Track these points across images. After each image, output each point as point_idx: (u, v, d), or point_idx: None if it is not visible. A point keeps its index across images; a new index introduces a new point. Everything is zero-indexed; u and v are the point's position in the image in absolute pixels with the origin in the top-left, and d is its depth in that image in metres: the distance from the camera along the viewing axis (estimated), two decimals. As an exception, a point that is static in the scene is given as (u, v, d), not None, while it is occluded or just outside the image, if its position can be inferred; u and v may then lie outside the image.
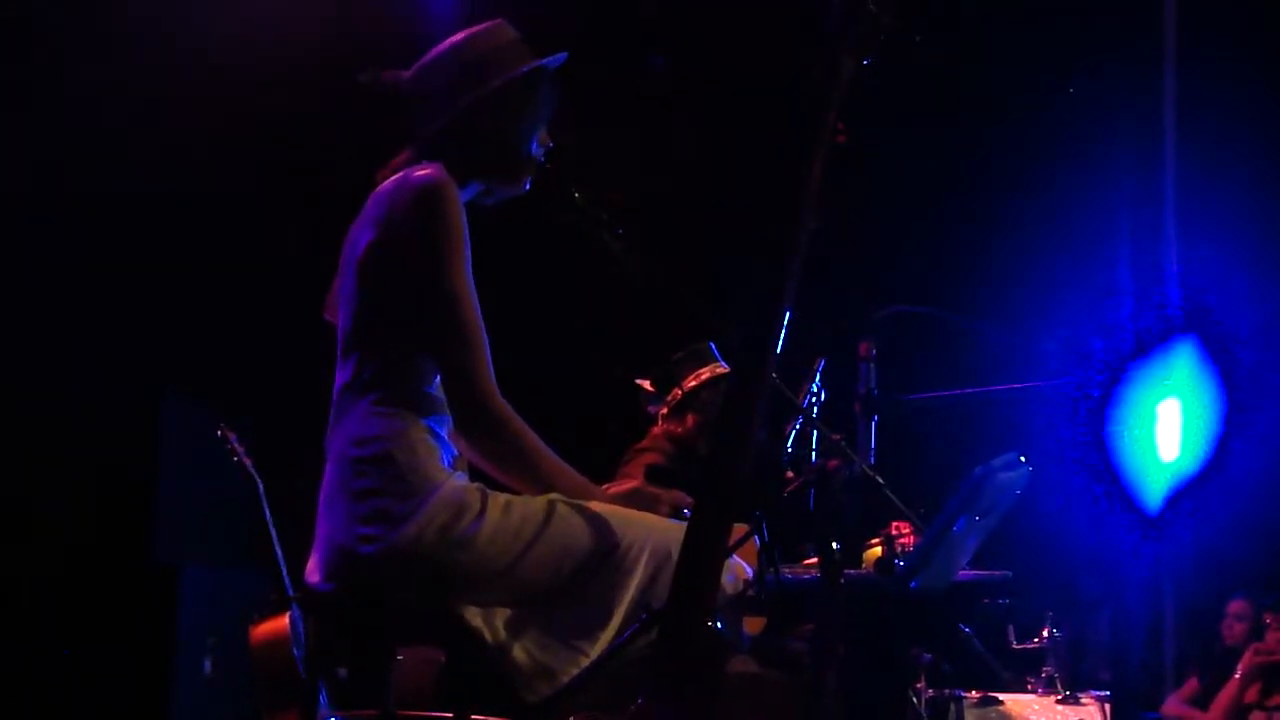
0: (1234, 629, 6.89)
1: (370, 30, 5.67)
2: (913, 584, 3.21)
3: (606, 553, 2.73)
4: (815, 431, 4.19)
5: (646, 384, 5.08)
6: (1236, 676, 6.63)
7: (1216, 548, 6.77)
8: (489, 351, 2.77)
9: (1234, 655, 6.76)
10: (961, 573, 3.63)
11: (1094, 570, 6.65)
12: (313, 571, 2.77)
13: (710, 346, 5.02)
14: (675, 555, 2.47)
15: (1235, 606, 6.92)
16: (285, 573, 5.18)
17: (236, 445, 5.48)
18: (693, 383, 4.95)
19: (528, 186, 3.01)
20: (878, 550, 4.14)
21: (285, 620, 4.99)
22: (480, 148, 2.92)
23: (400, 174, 2.85)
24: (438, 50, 2.95)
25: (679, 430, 4.95)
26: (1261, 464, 6.37)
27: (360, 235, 2.83)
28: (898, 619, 3.39)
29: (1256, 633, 6.74)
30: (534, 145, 2.96)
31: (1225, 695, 6.65)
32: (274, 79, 5.96)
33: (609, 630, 2.71)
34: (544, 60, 2.94)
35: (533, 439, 2.79)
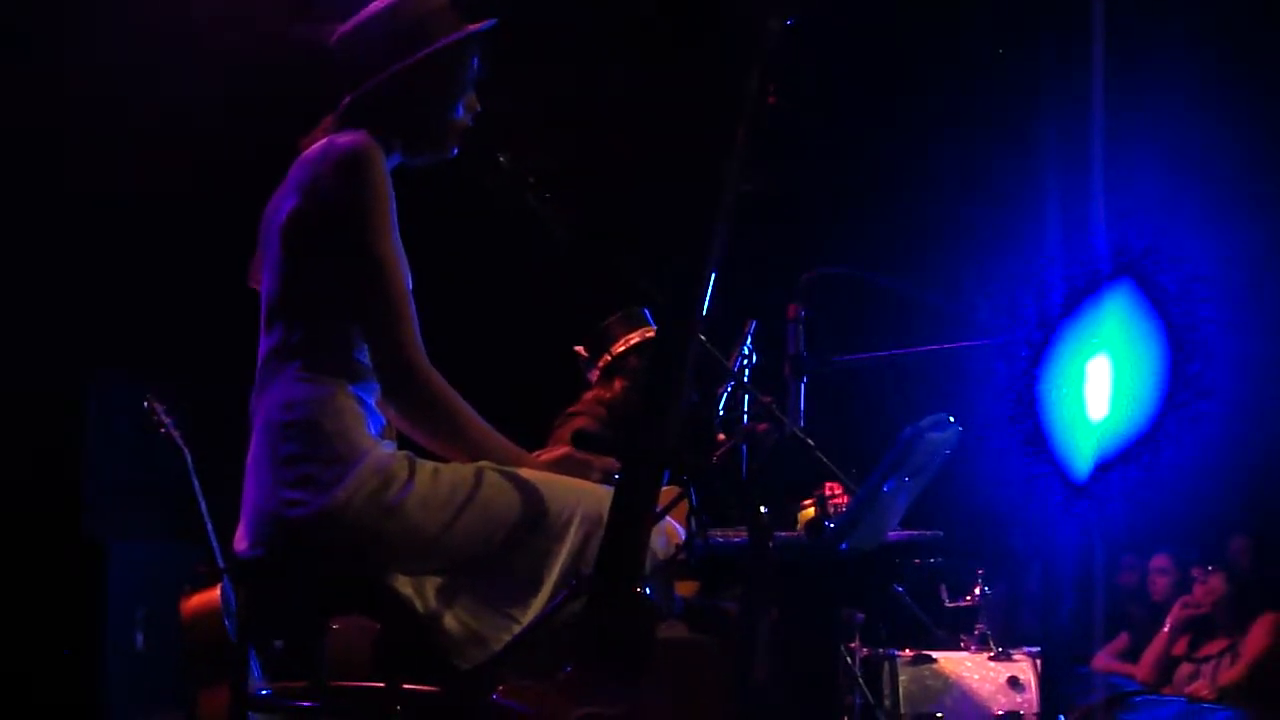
0: (1157, 584, 6.99)
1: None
2: (843, 545, 3.23)
3: (536, 519, 2.72)
4: (745, 394, 4.20)
5: (583, 350, 5.07)
6: (1165, 630, 6.72)
7: (1146, 504, 6.84)
8: (416, 318, 2.75)
9: (1161, 610, 6.85)
10: (892, 533, 3.65)
11: (1024, 528, 6.71)
12: (241, 539, 2.75)
13: (644, 311, 5.01)
14: (606, 520, 2.47)
15: (1157, 562, 7.02)
16: (216, 545, 5.14)
17: (164, 417, 5.41)
18: (621, 347, 4.95)
19: (455, 152, 2.99)
20: (811, 511, 4.16)
21: (216, 592, 4.96)
22: (408, 115, 2.90)
23: (324, 140, 2.82)
24: (365, 14, 2.92)
25: (608, 395, 4.94)
26: (1194, 418, 6.43)
27: (284, 202, 2.81)
28: (829, 580, 3.40)
29: (1181, 586, 6.83)
30: (460, 111, 2.94)
31: (1154, 648, 6.74)
32: (182, 46, 5.87)
33: (540, 597, 2.71)
34: (474, 27, 2.92)
35: (461, 406, 2.78)
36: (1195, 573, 6.72)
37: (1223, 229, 6.65)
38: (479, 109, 2.97)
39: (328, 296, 2.74)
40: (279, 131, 3.04)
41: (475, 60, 2.95)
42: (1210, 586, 6.63)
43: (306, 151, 2.84)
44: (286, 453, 2.67)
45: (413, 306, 2.75)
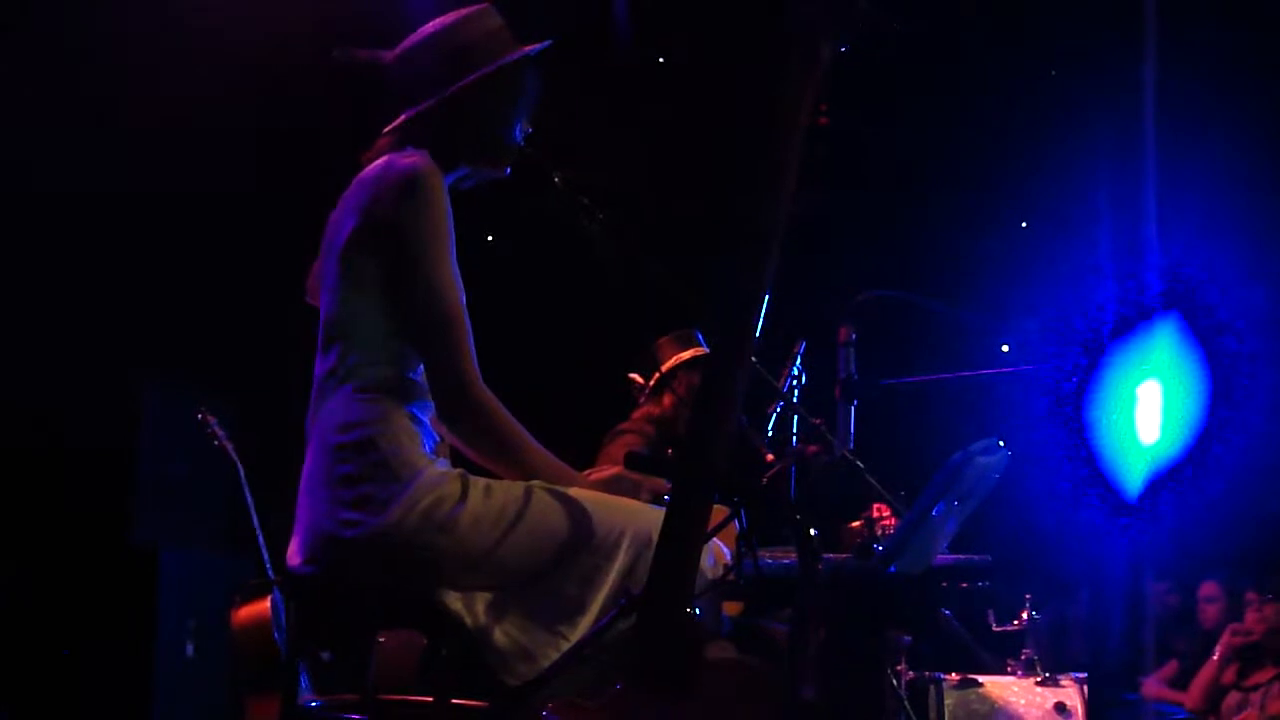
0: (1207, 611, 6.92)
1: (350, 14, 5.63)
2: (892, 568, 3.23)
3: (586, 538, 2.73)
4: (795, 416, 4.21)
5: (638, 377, 5.12)
6: (1214, 658, 6.66)
7: (1197, 529, 6.80)
8: (472, 339, 2.77)
9: (1211, 637, 6.79)
10: (941, 556, 3.64)
11: (1073, 553, 6.67)
12: (294, 555, 2.77)
13: (695, 333, 5.05)
14: (656, 541, 2.48)
15: (1205, 589, 6.95)
16: (266, 556, 5.18)
17: (217, 429, 5.48)
18: (671, 364, 4.99)
19: (508, 171, 3.01)
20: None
21: (267, 604, 4.99)
22: (465, 133, 2.92)
23: (384, 159, 2.84)
24: (422, 34, 2.94)
25: (657, 411, 4.99)
26: (1242, 445, 6.39)
27: (344, 221, 2.82)
28: (877, 602, 3.40)
29: (1231, 614, 6.77)
30: (517, 131, 2.97)
31: (1203, 676, 6.68)
32: (241, 58, 5.92)
33: (589, 615, 2.72)
34: (530, 48, 2.94)
35: (514, 427, 2.79)
36: (1250, 596, 6.65)
37: (1275, 254, 6.62)
38: (532, 130, 2.99)
39: (385, 317, 2.76)
40: (335, 143, 3.07)
41: (532, 82, 2.98)
42: (1264, 614, 6.56)
43: (366, 170, 2.86)
44: (343, 473, 2.70)
45: (469, 328, 2.77)
